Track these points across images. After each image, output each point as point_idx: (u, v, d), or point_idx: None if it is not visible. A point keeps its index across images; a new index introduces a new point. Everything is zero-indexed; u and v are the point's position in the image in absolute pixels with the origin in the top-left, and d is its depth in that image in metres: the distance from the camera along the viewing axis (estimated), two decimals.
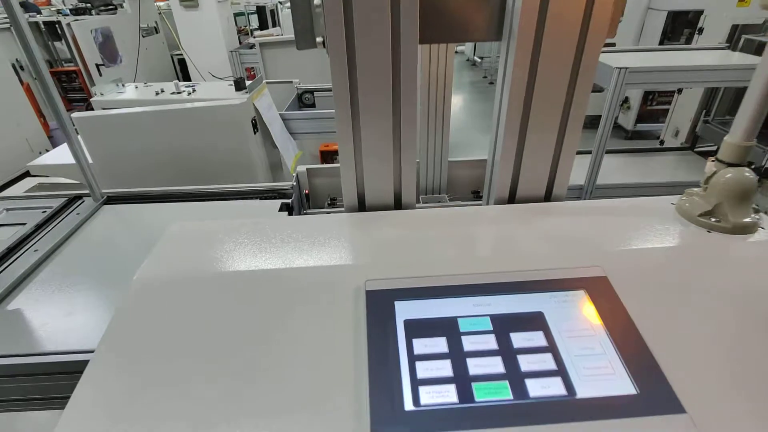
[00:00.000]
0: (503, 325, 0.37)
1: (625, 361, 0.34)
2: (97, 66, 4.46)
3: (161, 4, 5.80)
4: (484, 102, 6.17)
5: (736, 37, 3.25)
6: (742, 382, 0.33)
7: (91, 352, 0.40)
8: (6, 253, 1.02)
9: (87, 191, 1.29)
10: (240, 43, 5.50)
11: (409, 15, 0.44)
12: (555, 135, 0.51)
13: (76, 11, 4.71)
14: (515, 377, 0.33)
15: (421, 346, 0.35)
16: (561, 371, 0.33)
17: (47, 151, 1.92)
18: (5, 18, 4.44)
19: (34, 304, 0.91)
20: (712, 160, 0.48)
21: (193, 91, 1.71)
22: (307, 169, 1.39)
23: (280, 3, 6.82)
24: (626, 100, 4.29)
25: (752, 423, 0.30)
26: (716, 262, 0.43)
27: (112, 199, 1.32)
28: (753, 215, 0.46)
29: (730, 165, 0.46)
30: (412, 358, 0.35)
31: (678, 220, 0.49)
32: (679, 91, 3.76)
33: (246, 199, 1.34)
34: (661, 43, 3.99)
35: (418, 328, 0.37)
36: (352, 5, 0.44)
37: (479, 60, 7.46)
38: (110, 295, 0.94)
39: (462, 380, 0.33)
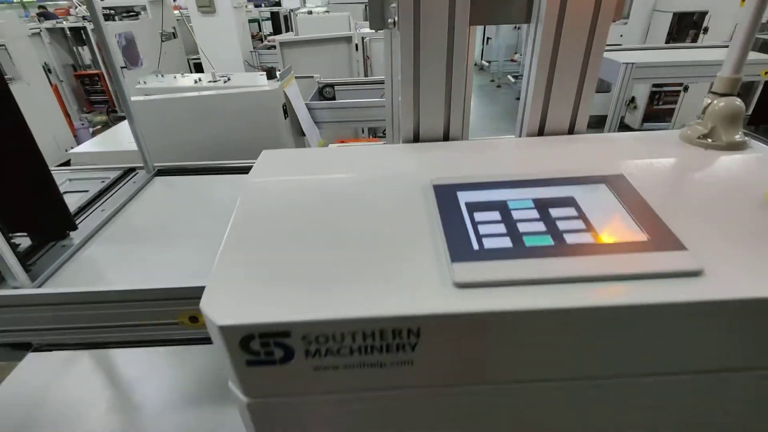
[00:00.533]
0: (543, 204, 0.47)
1: (638, 221, 0.44)
2: (120, 69, 4.63)
3: (179, 11, 6.00)
4: (492, 105, 6.28)
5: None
6: (731, 232, 0.43)
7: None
8: (78, 212, 1.14)
9: (140, 165, 1.41)
10: (254, 47, 5.67)
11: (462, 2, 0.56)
12: (576, 81, 0.62)
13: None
14: (555, 232, 0.44)
15: (480, 216, 0.46)
16: (589, 228, 0.44)
17: (72, 148, 2.03)
18: (35, 25, 4.63)
19: (107, 251, 1.04)
20: (709, 94, 0.59)
21: (228, 80, 1.84)
22: (338, 146, 1.51)
23: (292, 11, 7.02)
24: (633, 99, 4.38)
25: (738, 254, 0.40)
26: (711, 167, 0.54)
27: (161, 172, 1.44)
28: (743, 136, 0.57)
29: (722, 95, 0.57)
30: (475, 223, 0.45)
31: (681, 144, 0.60)
32: (686, 89, 3.86)
33: None
34: (666, 43, 4.09)
35: (476, 206, 0.48)
36: None
37: (487, 64, 7.61)
38: (173, 242, 1.06)
39: (514, 234, 0.44)
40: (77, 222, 1.10)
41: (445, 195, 0.49)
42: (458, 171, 0.55)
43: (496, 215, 0.46)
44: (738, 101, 0.56)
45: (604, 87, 3.46)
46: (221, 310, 0.38)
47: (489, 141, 0.64)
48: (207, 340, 0.41)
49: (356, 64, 3.48)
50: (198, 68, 5.81)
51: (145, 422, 0.95)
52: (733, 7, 3.62)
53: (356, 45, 3.39)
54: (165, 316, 0.90)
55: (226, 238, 0.47)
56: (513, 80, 6.53)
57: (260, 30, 7.78)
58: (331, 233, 0.47)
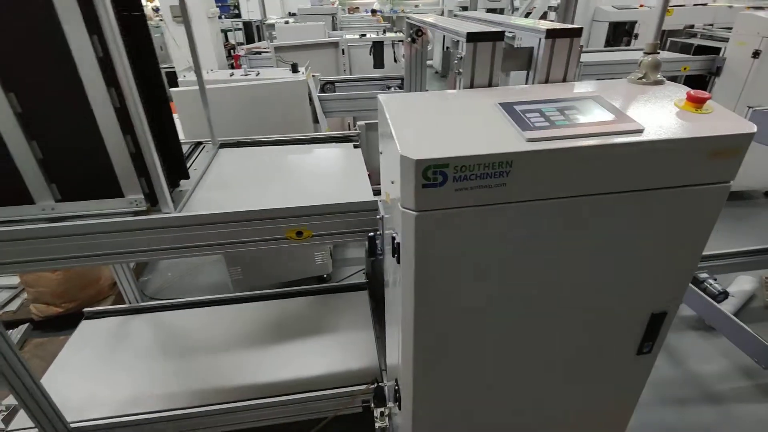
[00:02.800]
0: (561, 108, 0.86)
1: (610, 111, 0.84)
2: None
3: (152, 21, 6.10)
4: None
5: (664, 40, 4.02)
6: (652, 115, 0.83)
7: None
8: None
9: (207, 139, 1.71)
10: (229, 55, 5.90)
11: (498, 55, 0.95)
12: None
13: None
14: (569, 118, 0.82)
15: (528, 114, 0.84)
16: (586, 116, 0.83)
17: None
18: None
19: (210, 194, 1.34)
20: (646, 53, 1.00)
21: (258, 73, 2.15)
22: (366, 124, 1.85)
23: (262, 22, 7.27)
24: None
25: (656, 123, 0.81)
26: (643, 91, 0.95)
27: (223, 145, 1.74)
28: (661, 77, 0.99)
29: (649, 54, 0.99)
30: (526, 117, 0.83)
31: (628, 83, 1.01)
32: None
33: (325, 143, 1.80)
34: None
35: (525, 110, 0.85)
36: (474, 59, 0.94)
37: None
38: (254, 187, 1.39)
39: (548, 120, 0.82)
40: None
41: (506, 107, 0.87)
42: (507, 98, 0.93)
43: (537, 114, 0.84)
44: (658, 56, 0.99)
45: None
46: (413, 154, 0.73)
47: (517, 87, 1.03)
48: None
49: (341, 65, 3.85)
50: (170, 76, 5.93)
51: None
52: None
53: (342, 50, 3.76)
54: (276, 232, 1.21)
55: (392, 124, 0.82)
56: None
57: (227, 40, 7.95)
58: (456, 116, 0.83)
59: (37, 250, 1.12)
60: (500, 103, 0.89)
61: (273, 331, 1.94)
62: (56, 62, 0.96)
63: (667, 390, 1.97)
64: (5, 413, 1.70)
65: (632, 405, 1.20)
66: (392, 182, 0.86)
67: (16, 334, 2.25)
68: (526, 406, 1.15)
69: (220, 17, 8.06)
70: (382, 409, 1.44)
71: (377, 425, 1.43)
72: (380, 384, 1.52)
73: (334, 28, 7.07)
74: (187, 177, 1.32)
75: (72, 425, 1.49)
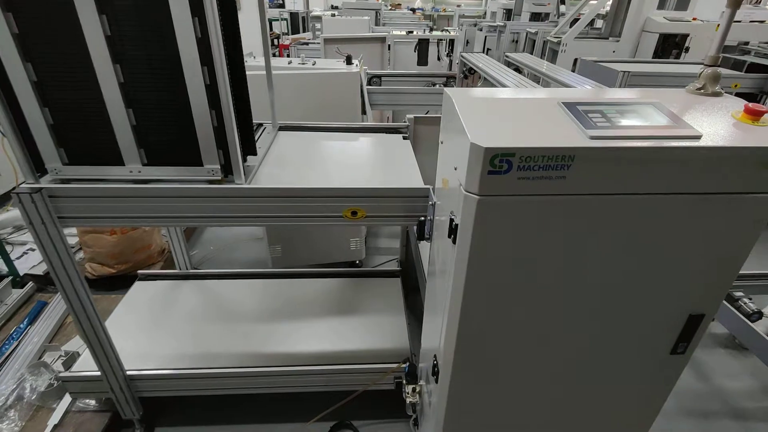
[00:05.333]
0: (621, 111, 0.91)
1: (669, 117, 0.88)
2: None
3: None
4: None
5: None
6: (711, 124, 0.88)
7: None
8: None
9: (267, 122, 1.82)
10: (273, 44, 6.06)
11: None
12: None
13: None
14: (629, 120, 0.88)
15: (590, 114, 0.90)
16: (647, 120, 0.88)
17: None
18: None
19: (273, 170, 1.45)
20: (707, 65, 1.04)
21: (314, 63, 2.25)
22: (414, 117, 1.93)
23: (307, 13, 7.43)
24: None
25: (717, 133, 0.85)
26: (702, 102, 0.99)
27: (282, 128, 1.85)
28: (720, 89, 1.03)
29: (709, 66, 1.03)
30: (588, 116, 0.89)
31: (686, 93, 1.05)
32: None
33: (376, 132, 1.88)
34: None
35: (587, 110, 0.91)
36: None
37: None
38: (314, 166, 1.49)
39: (609, 120, 0.87)
40: None
41: (569, 106, 0.93)
42: (569, 98, 0.99)
43: (598, 114, 0.90)
44: (718, 69, 1.02)
45: None
46: (482, 142, 0.81)
47: (577, 89, 1.08)
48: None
49: (386, 60, 3.93)
50: None
51: None
52: (710, 31, 4.23)
53: (389, 45, 3.84)
54: (334, 210, 1.31)
55: (462, 116, 0.89)
56: None
57: (271, 29, 8.16)
58: (520, 111, 0.90)
59: (123, 208, 1.25)
60: (563, 102, 0.95)
61: (309, 307, 2.05)
62: (160, 40, 1.07)
63: (691, 402, 1.98)
64: (65, 358, 1.87)
65: (660, 404, 1.24)
66: (455, 168, 0.94)
67: None
68: (559, 397, 1.20)
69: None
70: (414, 386, 1.52)
71: (408, 400, 1.51)
72: (413, 363, 1.60)
73: (377, 24, 7.16)
74: (255, 153, 1.43)
75: (127, 372, 1.64)
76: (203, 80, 1.11)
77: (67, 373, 1.66)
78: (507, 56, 3.39)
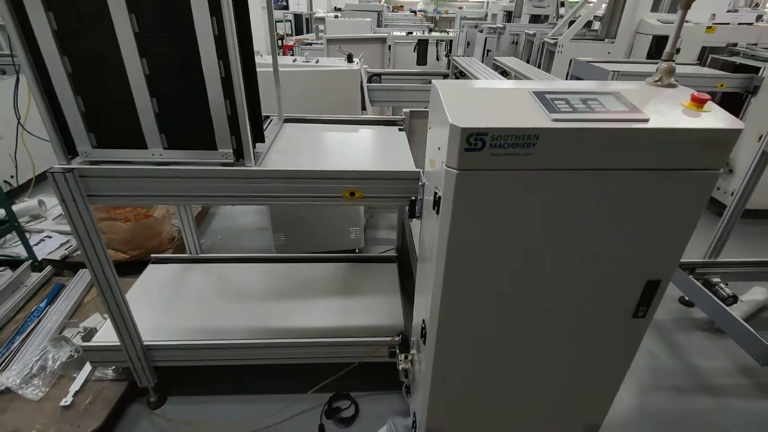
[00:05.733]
0: (583, 99, 1.06)
1: (625, 104, 1.03)
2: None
3: None
4: None
5: (705, 56, 4.07)
6: (660, 108, 1.02)
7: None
8: None
9: (274, 114, 1.96)
10: (278, 45, 6.18)
11: None
12: None
13: None
14: (590, 106, 1.02)
15: (556, 102, 1.04)
16: (604, 106, 1.02)
17: None
18: None
19: (279, 156, 1.59)
20: (663, 60, 1.18)
21: (317, 62, 2.40)
22: (410, 111, 2.07)
23: (311, 15, 7.58)
24: None
25: (662, 115, 0.99)
26: (658, 92, 1.13)
27: (287, 120, 1.99)
28: (674, 81, 1.17)
29: (665, 61, 1.17)
30: (554, 103, 1.03)
31: (647, 85, 1.19)
32: None
33: (374, 125, 2.03)
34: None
35: (553, 98, 1.05)
36: None
37: None
38: (318, 153, 1.63)
39: (572, 106, 1.01)
40: None
41: (538, 95, 1.07)
42: (540, 88, 1.13)
43: (563, 102, 1.04)
44: (672, 64, 1.16)
45: None
46: (460, 123, 0.95)
47: (551, 81, 1.22)
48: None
49: (386, 59, 4.08)
50: None
51: None
52: (700, 33, 4.37)
53: (389, 45, 3.99)
54: (334, 191, 1.45)
55: (444, 103, 1.03)
56: None
57: (276, 30, 8.30)
58: (496, 99, 1.04)
59: (146, 187, 1.39)
60: (533, 91, 1.09)
61: (311, 288, 2.19)
62: (182, 37, 1.22)
63: (667, 379, 2.12)
64: (83, 334, 2.02)
65: (626, 365, 1.38)
66: (438, 148, 1.08)
67: (88, 274, 2.59)
68: (535, 355, 1.34)
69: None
70: (406, 354, 1.67)
71: (401, 366, 1.65)
72: (406, 334, 1.74)
73: (379, 25, 7.31)
74: (263, 141, 1.58)
75: (144, 342, 1.78)
76: (219, 73, 1.26)
77: (88, 343, 1.80)
78: (495, 60, 3.52)
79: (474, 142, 0.96)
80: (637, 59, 4.69)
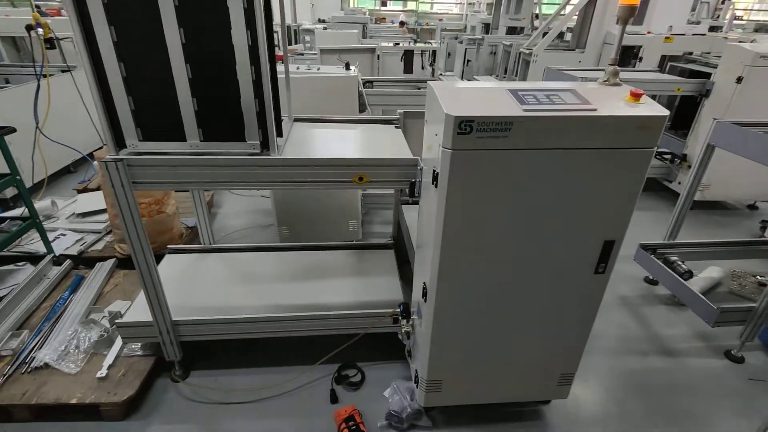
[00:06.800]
0: (548, 94, 1.35)
1: (579, 99, 1.32)
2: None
3: None
4: None
5: (665, 64, 4.49)
6: (607, 103, 1.32)
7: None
8: None
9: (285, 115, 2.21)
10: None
11: None
12: None
13: None
14: (553, 100, 1.31)
15: (526, 97, 1.33)
16: (563, 100, 1.31)
17: None
18: None
19: (294, 149, 1.85)
20: (609, 65, 1.48)
21: (318, 69, 2.67)
22: (404, 112, 2.35)
23: (298, 27, 7.86)
24: None
25: (609, 107, 1.29)
26: (605, 90, 1.43)
27: (297, 120, 2.25)
28: (619, 81, 1.47)
29: (611, 65, 1.47)
30: (524, 98, 1.32)
31: (598, 85, 1.49)
32: None
33: (373, 124, 2.30)
34: None
35: (526, 94, 1.34)
36: None
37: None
38: (329, 146, 1.89)
39: (539, 100, 1.30)
40: None
41: (512, 92, 1.36)
42: (515, 87, 1.42)
43: (532, 97, 1.33)
44: (617, 67, 1.47)
45: None
46: (453, 113, 1.22)
47: (525, 82, 1.51)
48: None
49: (375, 68, 4.39)
50: None
51: None
52: (659, 43, 4.81)
53: (378, 55, 4.30)
54: (345, 176, 1.71)
55: (440, 98, 1.31)
56: None
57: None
58: (480, 95, 1.32)
59: (184, 174, 1.63)
60: (509, 89, 1.38)
61: (317, 272, 2.44)
62: (221, 46, 1.47)
63: (633, 344, 2.42)
64: (108, 318, 2.21)
65: (592, 318, 1.66)
66: (436, 134, 1.35)
67: (106, 266, 2.77)
68: (516, 307, 1.61)
69: None
70: (408, 319, 1.92)
71: (404, 330, 1.91)
72: (406, 303, 2.00)
73: (364, 36, 7.64)
74: (282, 136, 1.83)
75: (173, 319, 1.99)
76: (252, 77, 1.51)
77: (121, 320, 2.00)
78: (475, 78, 3.84)
79: (464, 128, 1.24)
80: (604, 67, 5.10)
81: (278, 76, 1.86)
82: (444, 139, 1.27)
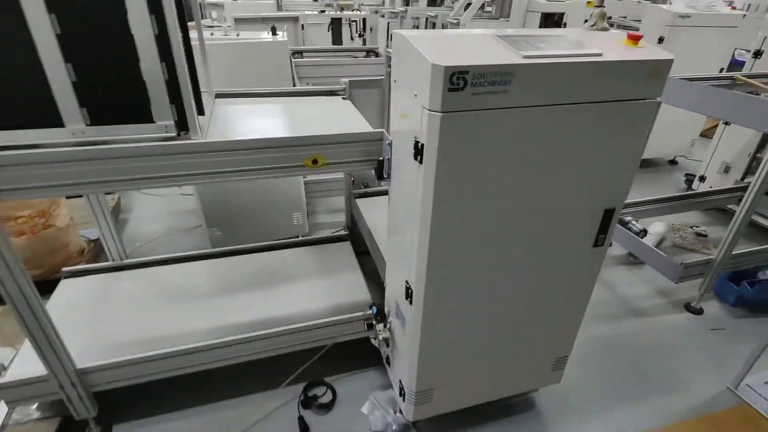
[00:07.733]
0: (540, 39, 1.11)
1: (573, 43, 1.10)
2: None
3: None
4: None
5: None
6: (604, 44, 1.11)
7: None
8: None
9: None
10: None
11: None
12: None
13: None
14: (552, 47, 1.07)
15: (521, 44, 1.07)
16: (558, 45, 1.08)
17: None
18: None
19: (219, 128, 1.48)
20: (596, 6, 1.29)
21: (238, 35, 2.21)
22: (350, 81, 2.01)
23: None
24: None
25: (609, 51, 1.08)
26: (594, 35, 1.23)
27: (218, 95, 1.82)
28: (607, 25, 1.28)
29: (597, 7, 1.28)
30: (515, 41, 1.06)
31: (584, 29, 1.29)
32: None
33: (314, 96, 1.94)
34: None
35: (518, 40, 1.09)
36: None
37: None
38: (257, 123, 1.52)
39: (534, 47, 1.06)
40: None
41: (502, 37, 1.10)
42: (500, 33, 1.16)
43: (525, 42, 1.08)
44: (604, 9, 1.28)
45: None
46: (442, 63, 0.93)
47: (502, 29, 1.26)
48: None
49: (300, 40, 3.94)
50: None
51: None
52: (582, 8, 4.90)
53: (302, 25, 3.85)
54: (295, 159, 1.36)
55: (419, 48, 1.01)
56: None
57: None
58: (465, 43, 1.04)
59: (66, 174, 1.16)
60: (497, 35, 1.12)
61: (265, 278, 2.05)
62: None
63: (603, 309, 2.38)
64: None
65: (588, 294, 1.51)
66: (415, 95, 1.05)
67: None
68: (513, 291, 1.40)
69: None
70: (384, 323, 1.64)
71: (381, 336, 1.62)
72: (379, 304, 1.71)
73: (278, 9, 7.02)
74: (203, 113, 1.41)
75: (78, 367, 1.51)
76: (153, 30, 1.09)
77: (2, 379, 1.48)
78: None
79: (457, 81, 0.96)
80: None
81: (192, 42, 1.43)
82: (431, 99, 0.98)
